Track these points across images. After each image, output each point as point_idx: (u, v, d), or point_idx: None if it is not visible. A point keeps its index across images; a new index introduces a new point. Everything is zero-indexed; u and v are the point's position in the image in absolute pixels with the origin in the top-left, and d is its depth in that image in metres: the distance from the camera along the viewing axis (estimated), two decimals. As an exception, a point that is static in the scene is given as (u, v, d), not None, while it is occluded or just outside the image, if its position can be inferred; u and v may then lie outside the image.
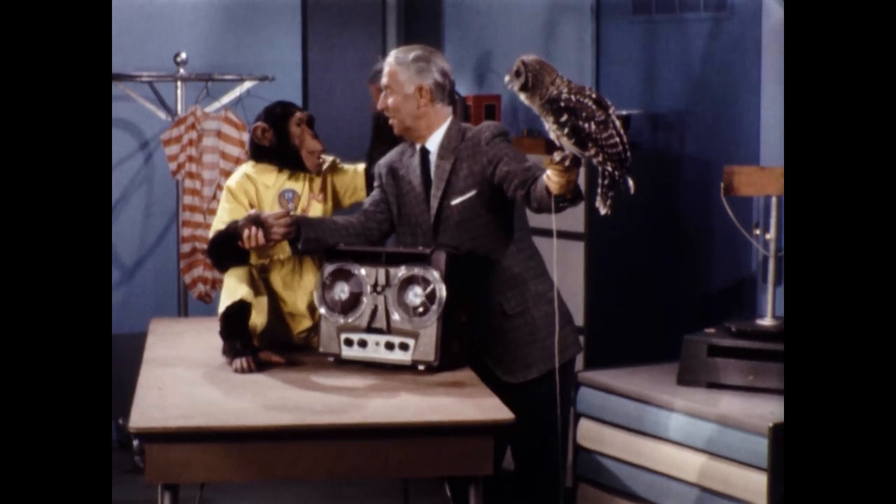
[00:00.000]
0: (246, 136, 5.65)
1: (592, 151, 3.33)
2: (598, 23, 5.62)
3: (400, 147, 3.99)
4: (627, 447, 4.44)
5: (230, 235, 3.88)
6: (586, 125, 3.32)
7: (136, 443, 5.63)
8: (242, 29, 6.32)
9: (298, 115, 4.05)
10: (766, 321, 4.44)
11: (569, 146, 3.36)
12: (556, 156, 3.37)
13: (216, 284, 5.70)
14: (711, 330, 4.49)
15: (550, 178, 3.40)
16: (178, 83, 5.85)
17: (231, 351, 3.83)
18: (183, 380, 3.69)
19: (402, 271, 3.75)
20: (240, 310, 3.85)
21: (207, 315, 5.26)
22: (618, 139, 3.35)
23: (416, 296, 3.73)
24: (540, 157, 5.21)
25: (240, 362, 3.78)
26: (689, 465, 4.21)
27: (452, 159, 3.83)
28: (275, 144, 4.05)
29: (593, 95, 3.37)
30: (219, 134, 5.67)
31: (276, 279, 4.02)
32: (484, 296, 3.85)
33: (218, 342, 3.91)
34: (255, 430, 3.26)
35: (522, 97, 3.41)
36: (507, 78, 3.42)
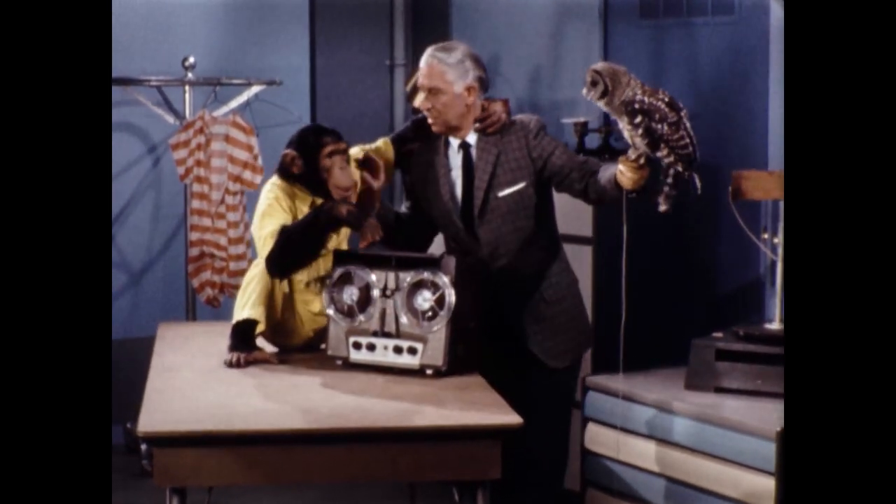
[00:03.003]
0: (254, 140, 5.66)
1: (664, 152, 3.51)
2: (605, 27, 5.61)
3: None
4: (635, 451, 4.44)
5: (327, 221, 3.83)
6: (659, 126, 3.49)
7: (144, 447, 5.63)
8: (250, 33, 6.32)
9: (330, 147, 3.93)
10: (774, 325, 4.44)
11: (641, 145, 3.52)
12: (632, 154, 3.54)
13: (224, 288, 5.71)
14: (719, 334, 4.49)
15: (624, 173, 3.57)
16: (187, 87, 5.85)
17: (229, 348, 3.89)
18: (191, 384, 3.70)
19: (411, 275, 3.75)
20: (249, 325, 3.89)
21: (215, 319, 5.27)
22: (688, 140, 3.52)
23: (425, 300, 3.74)
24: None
25: (231, 357, 3.85)
26: (698, 469, 4.21)
27: (496, 152, 3.91)
28: (304, 173, 3.97)
29: (666, 98, 3.52)
30: (227, 138, 5.68)
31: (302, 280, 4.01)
32: (524, 285, 3.95)
33: (226, 347, 3.93)
34: (263, 433, 3.26)
35: (601, 104, 3.53)
36: (584, 91, 3.54)
